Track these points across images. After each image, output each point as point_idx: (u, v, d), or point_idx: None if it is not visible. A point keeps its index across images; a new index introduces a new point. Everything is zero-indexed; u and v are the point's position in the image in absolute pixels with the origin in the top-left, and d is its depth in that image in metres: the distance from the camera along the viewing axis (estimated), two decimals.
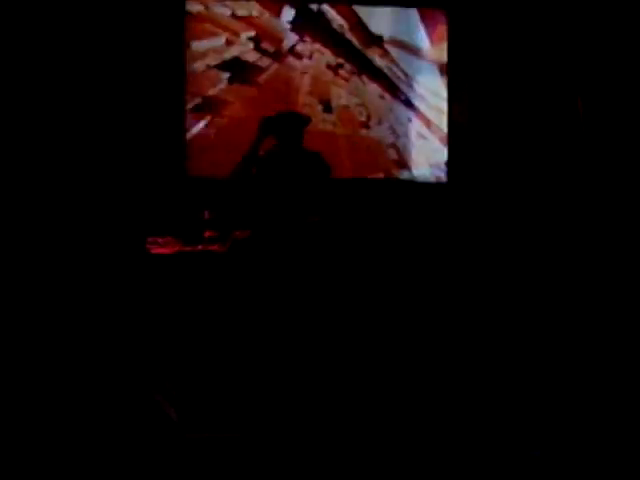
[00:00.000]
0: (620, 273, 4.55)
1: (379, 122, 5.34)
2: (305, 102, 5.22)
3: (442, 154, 5.41)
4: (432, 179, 5.41)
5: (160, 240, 4.22)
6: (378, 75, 5.34)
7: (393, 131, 5.37)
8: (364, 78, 5.32)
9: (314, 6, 5.24)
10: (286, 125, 4.00)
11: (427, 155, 5.42)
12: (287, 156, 4.01)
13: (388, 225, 5.03)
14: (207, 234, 4.28)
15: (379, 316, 4.22)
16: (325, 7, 5.24)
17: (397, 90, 5.38)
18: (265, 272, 3.88)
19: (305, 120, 4.10)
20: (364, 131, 5.33)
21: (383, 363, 3.84)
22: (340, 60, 5.28)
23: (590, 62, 5.03)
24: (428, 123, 5.42)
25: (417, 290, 4.53)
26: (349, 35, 5.30)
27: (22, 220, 4.44)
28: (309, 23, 5.24)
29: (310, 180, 4.00)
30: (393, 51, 5.35)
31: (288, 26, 5.21)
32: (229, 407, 3.32)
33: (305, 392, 3.48)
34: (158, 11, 4.93)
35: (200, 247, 4.19)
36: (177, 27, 5.01)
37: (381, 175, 5.34)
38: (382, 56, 5.34)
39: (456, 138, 5.38)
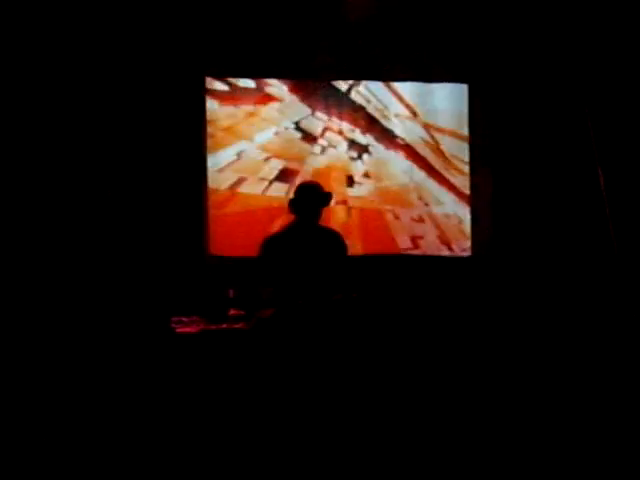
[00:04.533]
0: None
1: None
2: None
3: (467, 228, 5.45)
4: (458, 254, 5.42)
5: (185, 319, 4.25)
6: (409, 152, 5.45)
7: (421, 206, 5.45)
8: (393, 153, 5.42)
9: (342, 85, 5.37)
10: (305, 202, 4.02)
11: (453, 229, 5.45)
12: (305, 234, 4.04)
13: (412, 301, 5.01)
14: (232, 312, 4.30)
15: (406, 394, 4.16)
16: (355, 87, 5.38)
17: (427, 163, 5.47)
18: (290, 350, 3.87)
19: (325, 197, 4.04)
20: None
21: (406, 443, 3.77)
22: (369, 138, 5.40)
23: (611, 138, 5.07)
24: (459, 194, 5.48)
25: (444, 367, 4.47)
26: (377, 114, 5.42)
27: (44, 301, 4.55)
28: (335, 102, 5.37)
29: (329, 258, 4.01)
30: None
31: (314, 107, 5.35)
32: None
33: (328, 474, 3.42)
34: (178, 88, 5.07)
35: (225, 325, 4.20)
36: (198, 109, 5.15)
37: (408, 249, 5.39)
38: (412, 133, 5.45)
39: (479, 210, 5.42)
